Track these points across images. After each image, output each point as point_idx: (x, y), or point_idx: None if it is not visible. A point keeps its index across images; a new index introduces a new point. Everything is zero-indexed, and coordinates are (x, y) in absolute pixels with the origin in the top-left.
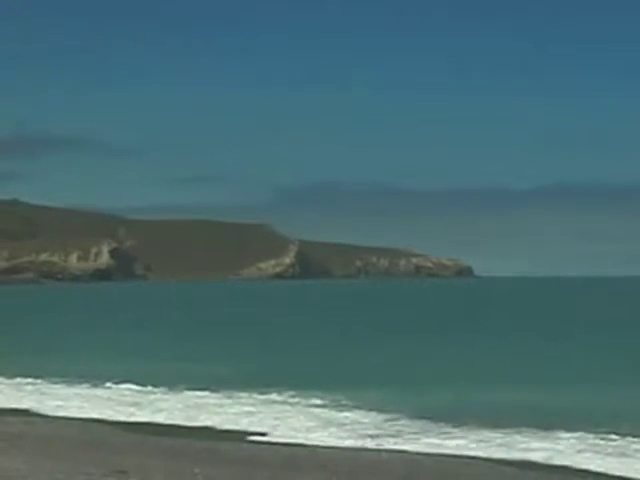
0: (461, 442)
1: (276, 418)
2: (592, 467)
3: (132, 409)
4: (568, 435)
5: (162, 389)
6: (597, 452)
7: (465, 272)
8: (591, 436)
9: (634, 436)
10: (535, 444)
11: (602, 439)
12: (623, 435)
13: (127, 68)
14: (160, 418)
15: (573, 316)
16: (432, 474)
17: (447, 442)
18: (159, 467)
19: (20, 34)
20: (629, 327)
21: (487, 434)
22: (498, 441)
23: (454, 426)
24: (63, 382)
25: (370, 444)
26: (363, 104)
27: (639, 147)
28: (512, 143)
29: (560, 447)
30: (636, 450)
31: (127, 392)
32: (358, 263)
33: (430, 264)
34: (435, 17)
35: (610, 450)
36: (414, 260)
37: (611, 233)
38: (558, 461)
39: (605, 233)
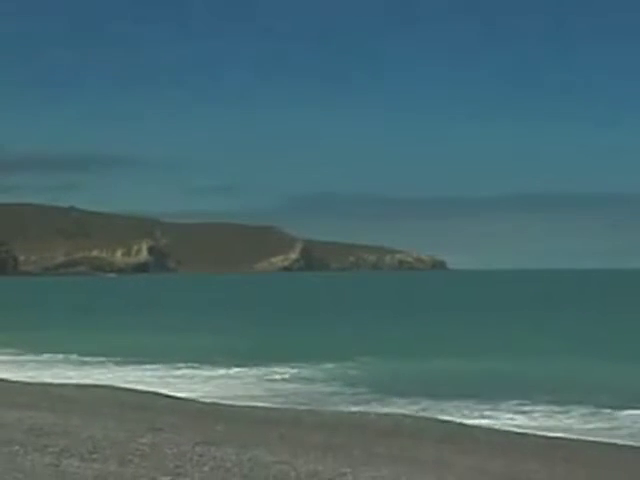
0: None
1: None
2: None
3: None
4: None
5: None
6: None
7: (439, 266)
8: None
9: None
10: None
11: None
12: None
13: (157, 99)
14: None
15: (524, 299)
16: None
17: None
18: (189, 425)
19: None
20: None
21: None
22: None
23: (396, 396)
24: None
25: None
26: (359, 126)
27: (580, 160)
28: (475, 159)
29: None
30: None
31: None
32: (351, 258)
33: (410, 259)
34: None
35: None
36: (397, 256)
37: (558, 232)
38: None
39: (553, 233)
